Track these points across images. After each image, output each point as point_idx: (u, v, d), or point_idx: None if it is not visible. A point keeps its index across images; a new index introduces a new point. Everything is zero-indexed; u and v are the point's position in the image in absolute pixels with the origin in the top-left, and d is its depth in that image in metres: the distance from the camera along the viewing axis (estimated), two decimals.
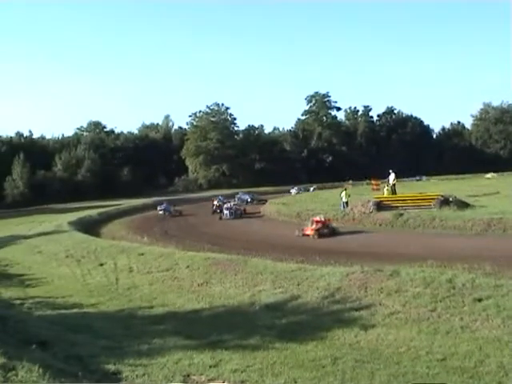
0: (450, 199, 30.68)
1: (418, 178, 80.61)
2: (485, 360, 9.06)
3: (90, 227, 38.39)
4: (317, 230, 27.26)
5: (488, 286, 12.23)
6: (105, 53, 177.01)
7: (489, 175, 72.82)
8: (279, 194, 64.39)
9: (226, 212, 40.13)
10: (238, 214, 40.37)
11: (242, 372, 8.90)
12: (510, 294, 11.63)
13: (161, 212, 48.19)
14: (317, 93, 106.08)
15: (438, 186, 48.17)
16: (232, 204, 44.13)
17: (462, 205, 30.21)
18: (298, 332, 11.55)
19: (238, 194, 59.86)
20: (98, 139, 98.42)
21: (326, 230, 27.50)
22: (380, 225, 28.77)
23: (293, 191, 68.50)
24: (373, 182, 44.76)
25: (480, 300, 11.62)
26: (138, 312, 14.57)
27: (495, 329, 10.38)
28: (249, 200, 55.22)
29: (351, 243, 24.33)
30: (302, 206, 38.37)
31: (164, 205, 49.92)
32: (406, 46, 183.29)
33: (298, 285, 15.03)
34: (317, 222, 28.07)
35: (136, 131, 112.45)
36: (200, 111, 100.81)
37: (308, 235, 27.11)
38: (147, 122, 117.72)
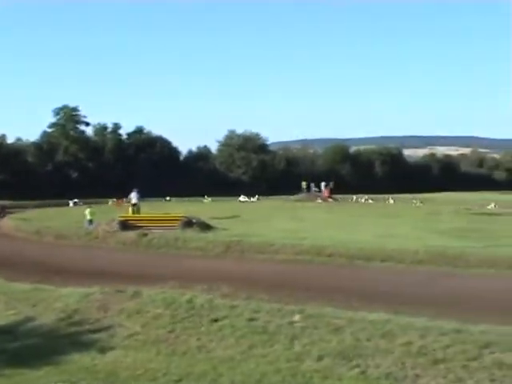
0: (194, 221, 31.60)
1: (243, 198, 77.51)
2: (218, 379, 9.39)
3: None
4: None
5: (224, 307, 12.74)
6: None
7: (241, 198, 75.73)
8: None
9: None
10: None
11: None
12: (244, 314, 12.23)
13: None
14: (65, 106, 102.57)
15: (184, 207, 49.28)
16: None
17: (205, 227, 31.29)
18: (32, 356, 10.89)
19: None
20: None
21: None
22: (124, 244, 28.50)
23: None
24: (115, 200, 44.70)
25: (216, 320, 12.03)
26: None
27: (229, 348, 10.80)
28: None
29: (100, 262, 23.81)
30: (43, 223, 36.60)
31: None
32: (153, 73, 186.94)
33: (34, 306, 14.20)
34: None
35: None
36: None
37: None
38: None
